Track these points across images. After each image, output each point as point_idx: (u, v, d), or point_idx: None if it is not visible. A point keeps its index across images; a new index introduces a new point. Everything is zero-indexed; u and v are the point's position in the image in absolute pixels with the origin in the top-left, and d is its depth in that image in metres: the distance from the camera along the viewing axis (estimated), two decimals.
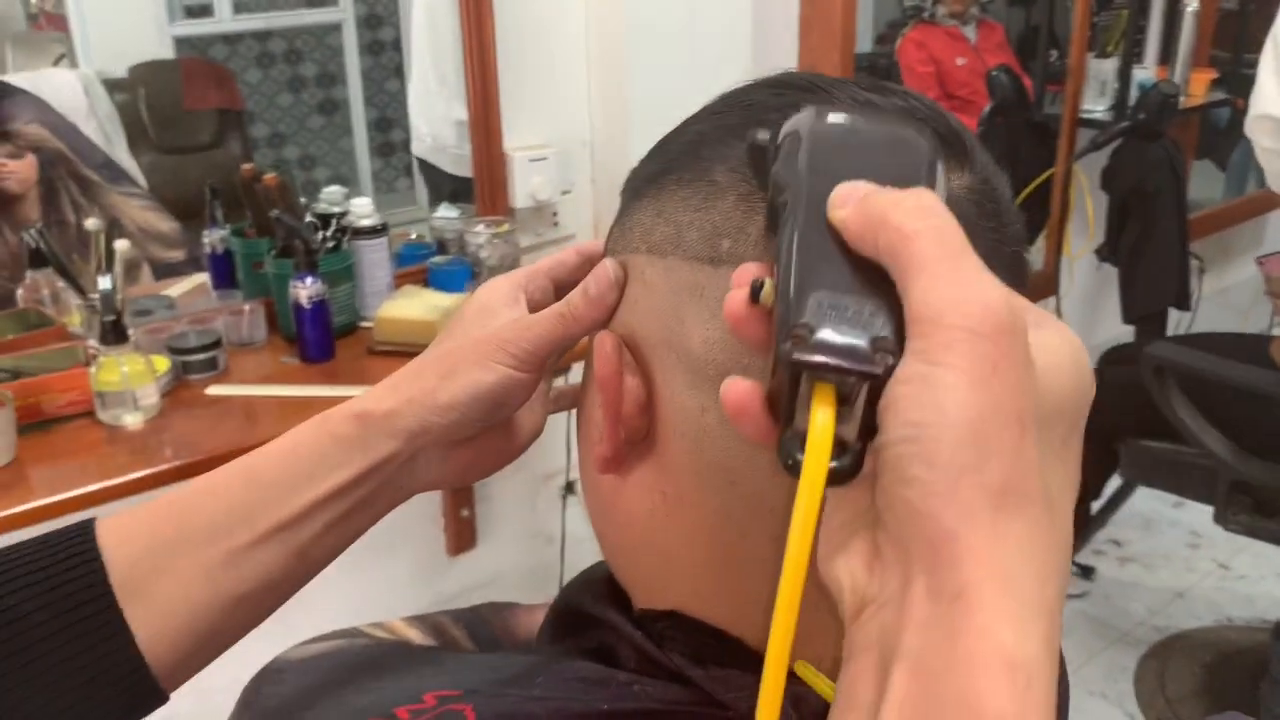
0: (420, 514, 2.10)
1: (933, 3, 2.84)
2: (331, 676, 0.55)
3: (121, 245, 1.51)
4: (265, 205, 1.70)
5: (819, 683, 0.42)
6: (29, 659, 0.50)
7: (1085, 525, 2.49)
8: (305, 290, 1.65)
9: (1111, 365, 2.53)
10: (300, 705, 0.53)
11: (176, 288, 1.88)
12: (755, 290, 0.36)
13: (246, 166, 1.75)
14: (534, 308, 0.55)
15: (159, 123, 2.05)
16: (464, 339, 0.54)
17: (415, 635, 0.66)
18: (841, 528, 0.34)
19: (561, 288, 0.58)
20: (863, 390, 0.32)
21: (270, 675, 0.57)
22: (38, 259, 1.68)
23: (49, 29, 1.89)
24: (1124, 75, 2.60)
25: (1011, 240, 0.47)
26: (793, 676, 0.36)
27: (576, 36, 2.01)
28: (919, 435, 0.30)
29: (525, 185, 1.99)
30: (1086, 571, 2.67)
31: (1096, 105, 2.65)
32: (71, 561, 0.51)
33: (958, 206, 0.44)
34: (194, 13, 2.11)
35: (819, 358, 0.32)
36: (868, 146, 0.38)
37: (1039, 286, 2.77)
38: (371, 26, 2.32)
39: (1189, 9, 2.71)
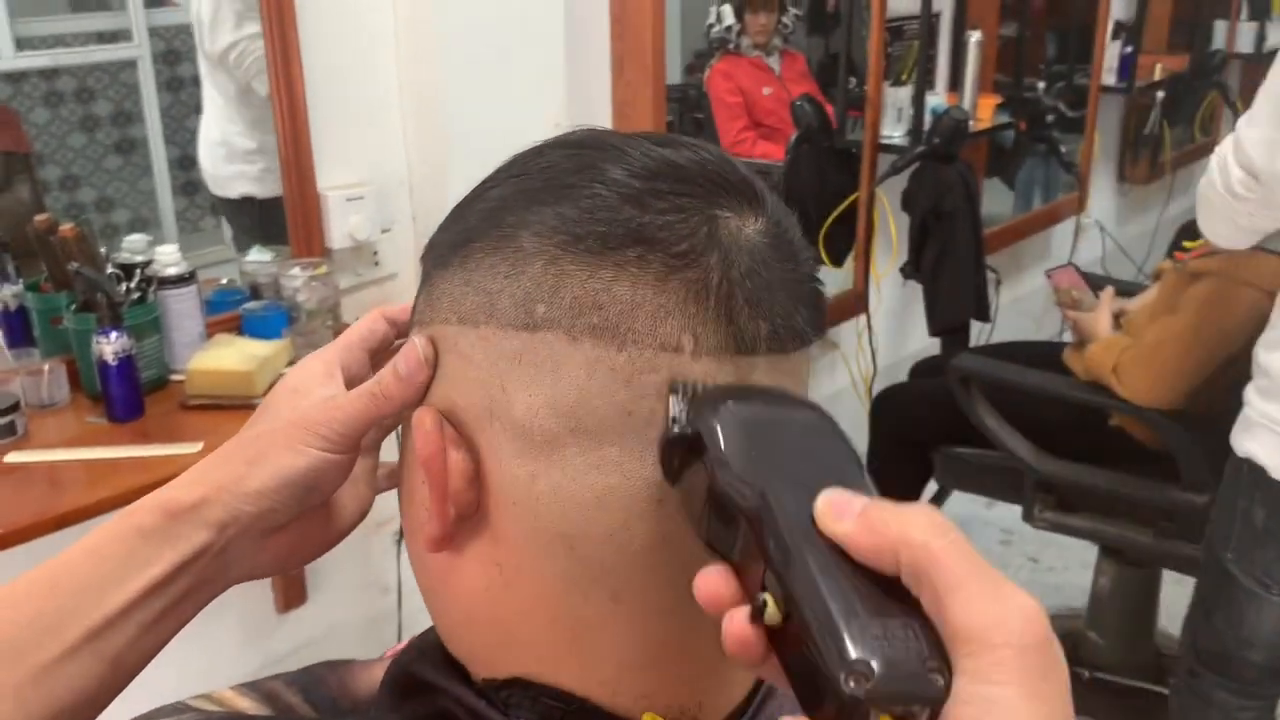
0: None
1: (737, 34, 2.93)
2: None
3: None
4: (63, 257, 1.61)
5: None
6: None
7: None
8: (110, 346, 1.56)
9: (921, 377, 2.66)
10: None
11: None
12: (759, 609, 0.36)
13: (41, 217, 1.65)
14: (352, 383, 0.54)
15: None
16: (274, 422, 0.52)
17: (247, 705, 0.63)
18: None
19: (378, 357, 0.56)
20: (924, 715, 0.33)
21: None
22: None
23: None
24: (918, 102, 2.74)
25: (808, 277, 0.48)
26: None
27: (388, 74, 1.98)
28: None
29: (343, 225, 1.94)
30: None
31: (894, 131, 2.78)
32: None
33: (755, 250, 0.45)
34: None
35: (886, 693, 0.33)
36: (797, 438, 0.40)
37: (850, 305, 2.88)
38: (170, 63, 2.22)
39: (973, 39, 2.88)
